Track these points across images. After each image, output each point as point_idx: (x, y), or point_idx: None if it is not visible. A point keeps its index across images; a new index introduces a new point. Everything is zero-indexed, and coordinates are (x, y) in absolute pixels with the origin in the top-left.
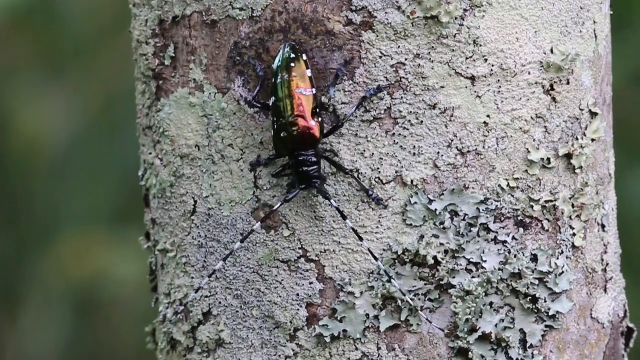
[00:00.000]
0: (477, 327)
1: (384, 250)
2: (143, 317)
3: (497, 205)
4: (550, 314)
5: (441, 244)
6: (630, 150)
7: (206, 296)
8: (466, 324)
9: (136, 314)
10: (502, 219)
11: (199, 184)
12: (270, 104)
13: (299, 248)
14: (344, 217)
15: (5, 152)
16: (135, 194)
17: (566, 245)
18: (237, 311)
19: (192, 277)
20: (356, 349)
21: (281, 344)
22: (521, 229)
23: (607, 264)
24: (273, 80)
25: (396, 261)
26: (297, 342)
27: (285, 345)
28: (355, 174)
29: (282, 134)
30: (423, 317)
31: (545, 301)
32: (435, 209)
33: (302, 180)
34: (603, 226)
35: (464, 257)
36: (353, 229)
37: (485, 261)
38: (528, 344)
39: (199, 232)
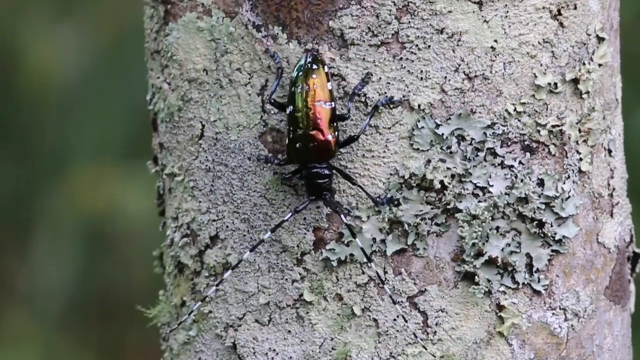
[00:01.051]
0: (484, 252)
1: (390, 174)
2: (152, 249)
3: (504, 130)
4: (556, 238)
5: (448, 168)
6: (637, 85)
7: (214, 220)
8: (473, 248)
9: (146, 248)
10: (509, 143)
11: (207, 108)
12: (287, 113)
13: None
14: (354, 236)
15: (16, 87)
16: (146, 128)
17: (573, 170)
18: (244, 235)
19: (200, 202)
20: (363, 273)
21: (288, 268)
22: (528, 154)
23: (614, 189)
24: (292, 89)
25: (403, 186)
26: (304, 266)
27: (292, 269)
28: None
29: (297, 145)
30: None
31: (551, 226)
32: (442, 134)
33: (313, 192)
34: (610, 151)
35: (470, 181)
36: (362, 249)
37: (492, 186)
38: (534, 269)
39: (206, 157)
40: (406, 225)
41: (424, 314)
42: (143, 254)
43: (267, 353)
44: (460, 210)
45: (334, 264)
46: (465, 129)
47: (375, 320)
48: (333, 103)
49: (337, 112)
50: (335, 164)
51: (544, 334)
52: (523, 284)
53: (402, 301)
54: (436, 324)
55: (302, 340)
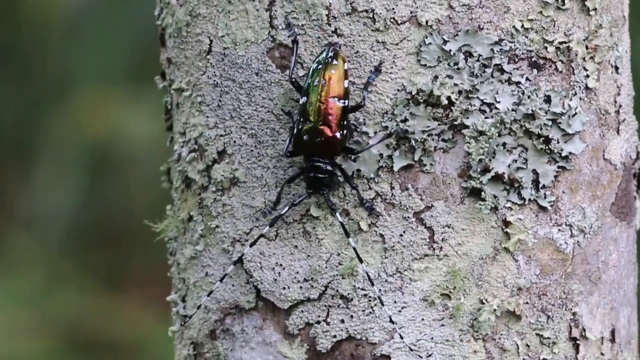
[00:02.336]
0: (490, 168)
1: (398, 90)
2: (156, 175)
3: (511, 47)
4: (563, 155)
5: (455, 84)
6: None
7: (221, 135)
8: (479, 164)
9: (149, 173)
10: (516, 60)
11: (215, 23)
12: (300, 103)
13: None
14: (347, 235)
15: (19, 11)
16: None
17: (579, 87)
18: (251, 150)
19: (207, 117)
20: (370, 188)
21: (296, 184)
22: (535, 70)
23: (620, 106)
24: (309, 81)
25: (410, 102)
26: None
27: (300, 184)
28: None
29: (304, 137)
30: None
31: (558, 142)
32: (450, 50)
33: (311, 186)
34: (617, 68)
35: (477, 97)
36: (355, 249)
37: (499, 102)
38: (541, 185)
39: (214, 72)
40: (413, 141)
41: (430, 230)
42: (146, 179)
43: (274, 268)
44: (467, 127)
45: (341, 179)
46: (473, 45)
47: (381, 235)
48: (347, 101)
49: (352, 103)
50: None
51: (550, 250)
52: (529, 200)
53: (408, 217)
54: (442, 240)
55: (308, 255)
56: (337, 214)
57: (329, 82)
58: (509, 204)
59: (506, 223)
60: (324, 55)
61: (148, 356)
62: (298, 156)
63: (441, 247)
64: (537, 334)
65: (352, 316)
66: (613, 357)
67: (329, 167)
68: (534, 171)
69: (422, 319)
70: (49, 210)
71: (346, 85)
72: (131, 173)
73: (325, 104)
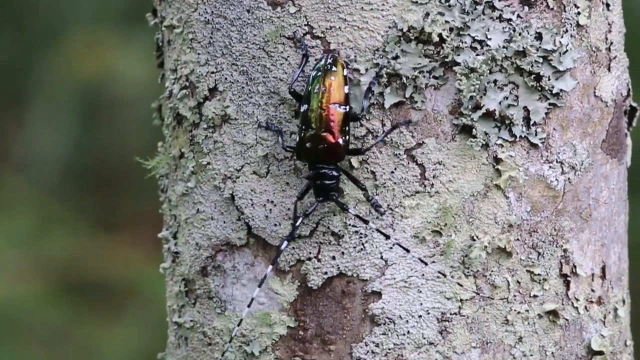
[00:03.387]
0: (481, 105)
1: (389, 27)
2: (148, 117)
3: None
4: (554, 92)
5: (446, 21)
6: None
7: (212, 72)
8: (470, 101)
9: (142, 115)
10: None
11: None
12: (301, 111)
13: (305, 25)
14: (366, 222)
15: None
16: None
17: (571, 24)
18: (242, 87)
19: (199, 54)
20: (361, 125)
21: (286, 120)
22: (526, 7)
23: (611, 43)
24: (309, 88)
25: (401, 39)
26: None
27: (291, 121)
28: None
29: (307, 145)
30: None
31: (549, 79)
32: None
33: (321, 193)
34: (607, 5)
35: (468, 34)
36: (378, 229)
37: (490, 39)
38: (532, 122)
39: (205, 9)
40: (404, 78)
41: (421, 167)
42: (138, 121)
43: (265, 205)
44: (458, 64)
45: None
46: None
47: (372, 172)
48: (347, 107)
49: (352, 111)
50: (347, 89)
51: (541, 186)
52: (520, 137)
53: (399, 154)
54: (433, 177)
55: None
56: (351, 210)
57: (329, 89)
58: (500, 141)
59: (497, 160)
60: (322, 62)
61: (140, 296)
62: (302, 161)
63: (432, 184)
64: (527, 271)
65: (343, 253)
66: (603, 293)
67: (334, 173)
68: (525, 108)
69: (413, 256)
70: (41, 153)
71: (346, 91)
72: (123, 115)
73: (327, 110)
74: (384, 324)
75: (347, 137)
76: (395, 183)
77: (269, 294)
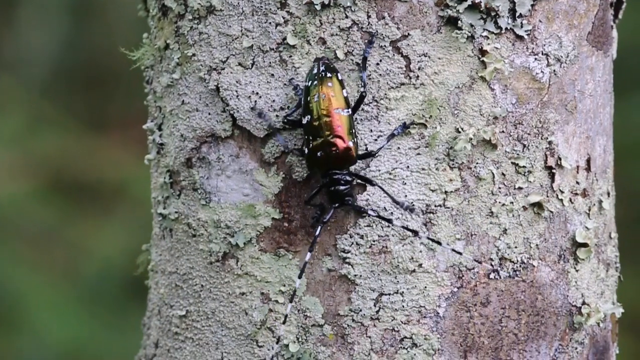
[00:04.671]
0: None
1: None
2: (139, 17)
3: None
4: None
5: None
6: None
7: None
8: None
9: (132, 15)
10: None
11: None
12: (304, 123)
13: None
14: (389, 221)
15: None
16: None
17: None
18: None
19: None
20: (346, 17)
21: (272, 12)
22: None
23: None
24: (307, 99)
25: None
26: (288, 10)
27: (276, 12)
28: None
29: (319, 154)
30: None
31: None
32: None
33: (335, 199)
34: None
35: None
36: (404, 226)
37: None
38: (517, 14)
39: None
40: None
41: (406, 59)
42: (128, 21)
43: (250, 96)
44: None
45: (318, 7)
46: None
47: (357, 64)
48: (350, 110)
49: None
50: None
51: (526, 79)
52: (506, 29)
53: (385, 45)
54: (419, 69)
55: (284, 84)
56: (370, 211)
57: (328, 96)
58: (485, 33)
59: (482, 52)
60: (315, 70)
61: (129, 196)
62: (314, 171)
63: (417, 76)
64: (512, 163)
65: None
66: (588, 185)
67: (347, 178)
68: (511, 0)
69: (398, 148)
70: (32, 53)
71: (345, 95)
72: (114, 15)
73: (331, 117)
74: (369, 216)
75: (356, 139)
76: (380, 75)
77: (253, 186)
